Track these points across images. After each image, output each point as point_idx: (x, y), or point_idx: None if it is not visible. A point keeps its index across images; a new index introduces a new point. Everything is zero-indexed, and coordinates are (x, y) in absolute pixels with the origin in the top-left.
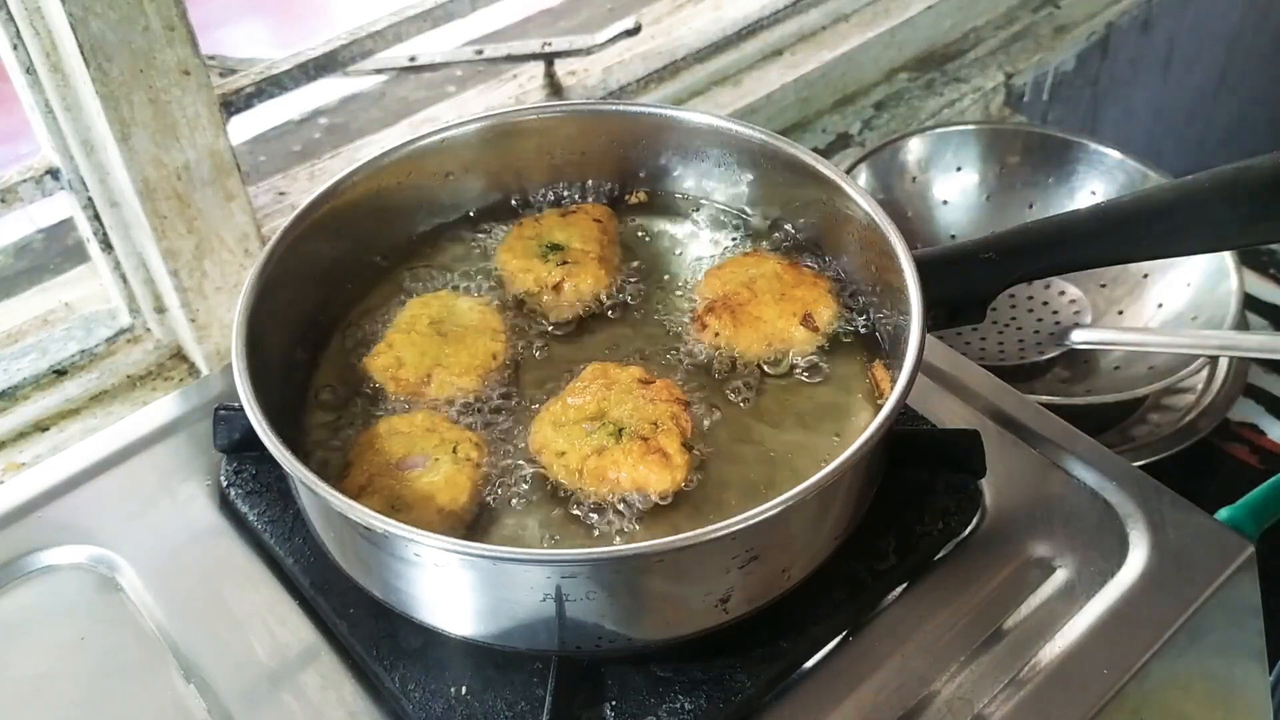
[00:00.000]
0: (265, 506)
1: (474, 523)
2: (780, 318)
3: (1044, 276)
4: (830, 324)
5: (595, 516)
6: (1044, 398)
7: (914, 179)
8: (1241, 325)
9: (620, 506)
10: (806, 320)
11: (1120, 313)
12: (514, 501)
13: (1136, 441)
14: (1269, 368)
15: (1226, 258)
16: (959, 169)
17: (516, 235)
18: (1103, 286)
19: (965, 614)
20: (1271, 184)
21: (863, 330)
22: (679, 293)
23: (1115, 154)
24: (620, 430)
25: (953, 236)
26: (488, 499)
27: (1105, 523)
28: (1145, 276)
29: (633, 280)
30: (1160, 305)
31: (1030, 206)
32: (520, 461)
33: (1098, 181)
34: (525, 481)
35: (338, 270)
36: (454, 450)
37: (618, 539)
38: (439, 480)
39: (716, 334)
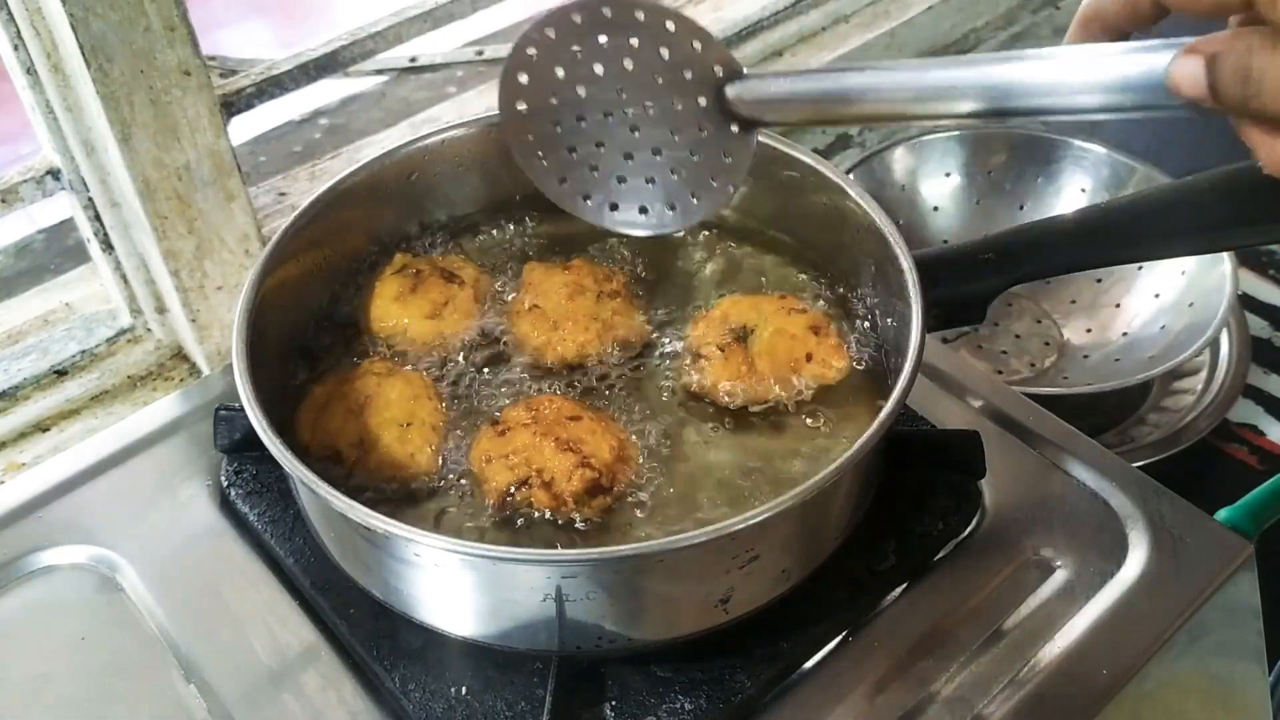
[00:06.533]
0: (265, 506)
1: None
2: (784, 376)
3: (1043, 277)
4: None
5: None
6: (1047, 389)
7: (903, 187)
8: (1237, 308)
9: None
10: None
11: (1117, 305)
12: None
13: (1136, 442)
14: (1269, 368)
15: None
16: (947, 174)
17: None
18: (1098, 281)
19: (965, 614)
20: (1271, 184)
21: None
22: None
23: (1099, 149)
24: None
25: (944, 241)
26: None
27: (1105, 523)
28: (1140, 269)
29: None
30: (1157, 295)
31: (1021, 208)
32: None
33: (1085, 178)
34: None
35: (338, 270)
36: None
37: None
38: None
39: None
